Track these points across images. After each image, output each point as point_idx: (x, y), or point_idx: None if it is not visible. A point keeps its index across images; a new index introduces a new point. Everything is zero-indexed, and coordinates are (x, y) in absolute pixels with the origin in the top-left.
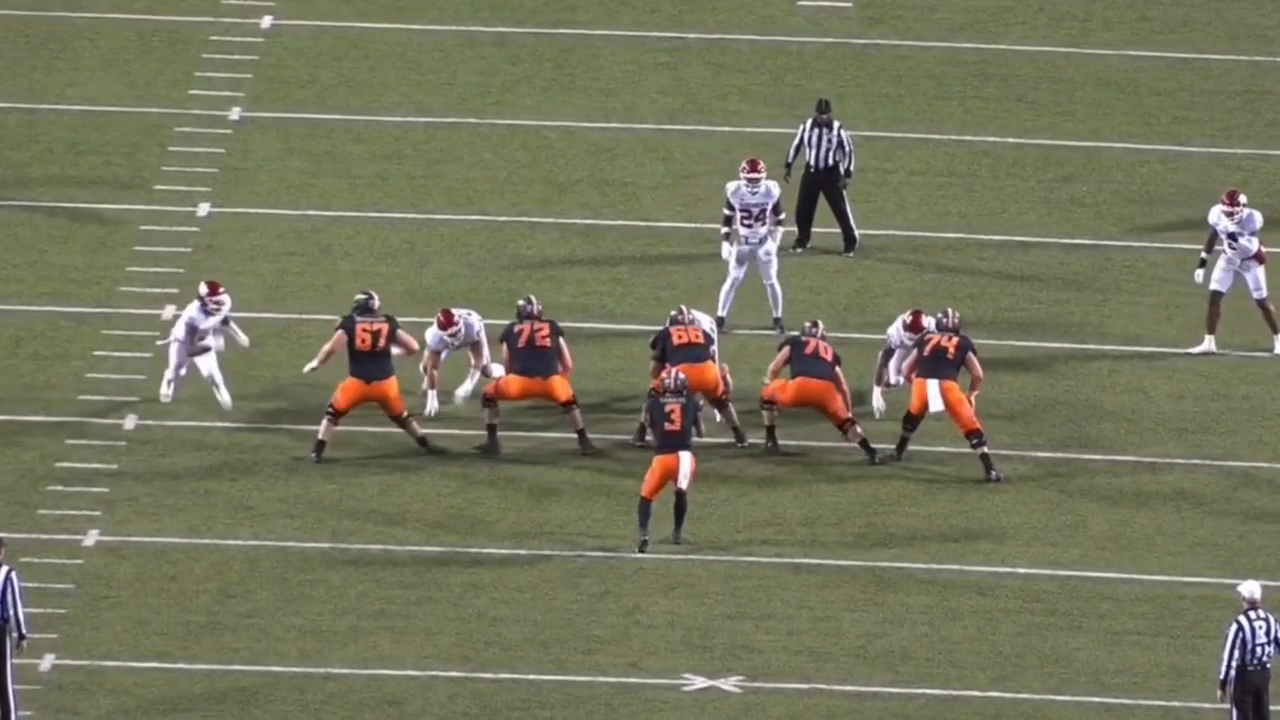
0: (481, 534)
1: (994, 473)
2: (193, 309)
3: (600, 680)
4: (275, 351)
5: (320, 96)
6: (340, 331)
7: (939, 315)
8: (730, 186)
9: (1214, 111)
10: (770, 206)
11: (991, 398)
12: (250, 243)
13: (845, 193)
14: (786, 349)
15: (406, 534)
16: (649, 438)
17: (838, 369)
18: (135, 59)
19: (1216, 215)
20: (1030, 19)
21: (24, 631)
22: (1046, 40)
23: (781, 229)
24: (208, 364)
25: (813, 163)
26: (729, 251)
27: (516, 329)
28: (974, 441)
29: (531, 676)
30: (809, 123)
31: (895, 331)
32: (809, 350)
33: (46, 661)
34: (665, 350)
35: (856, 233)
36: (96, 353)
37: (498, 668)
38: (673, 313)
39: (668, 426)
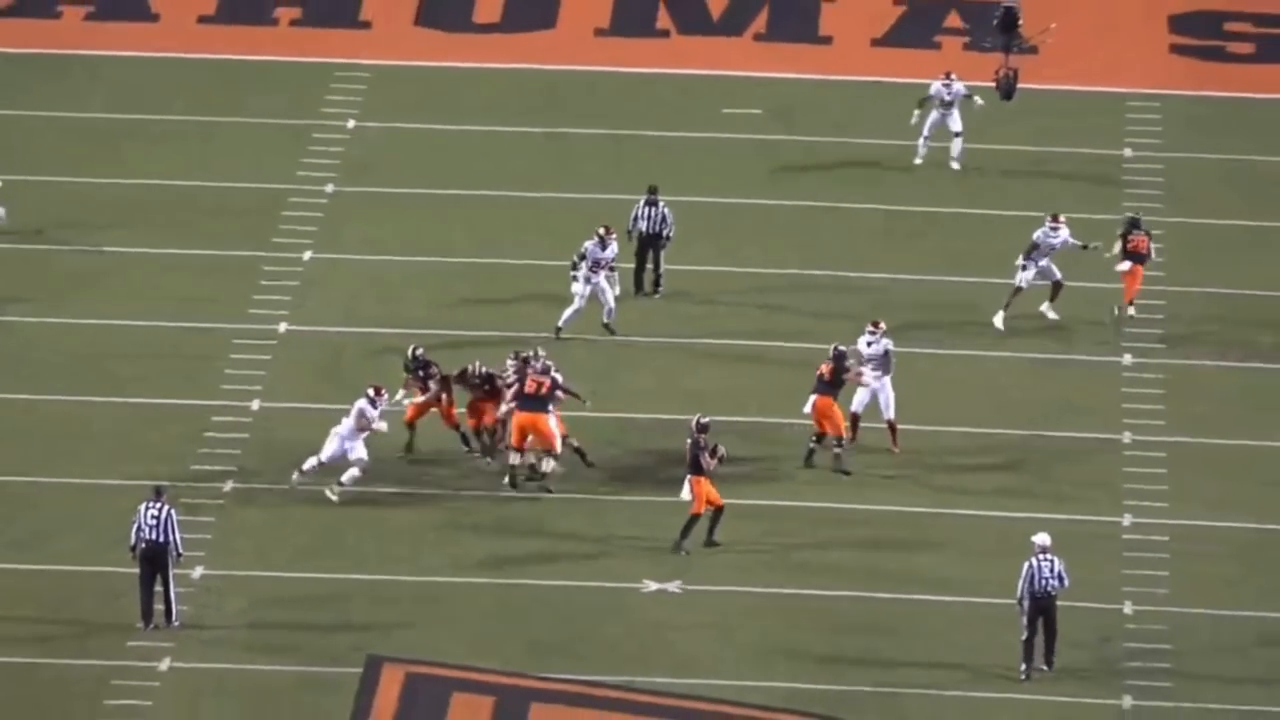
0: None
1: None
2: (363, 402)
3: (588, 585)
4: (355, 361)
5: (392, 176)
6: None
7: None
8: (587, 244)
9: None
10: (610, 260)
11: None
12: (340, 279)
13: (665, 250)
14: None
15: (446, 477)
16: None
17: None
18: (259, 150)
19: (1044, 232)
20: None
21: (180, 551)
22: None
23: (616, 274)
24: (359, 451)
25: (644, 230)
26: (579, 287)
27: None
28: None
29: (537, 582)
30: (642, 201)
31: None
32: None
33: (197, 571)
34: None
35: (662, 278)
36: (233, 355)
37: (513, 575)
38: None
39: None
